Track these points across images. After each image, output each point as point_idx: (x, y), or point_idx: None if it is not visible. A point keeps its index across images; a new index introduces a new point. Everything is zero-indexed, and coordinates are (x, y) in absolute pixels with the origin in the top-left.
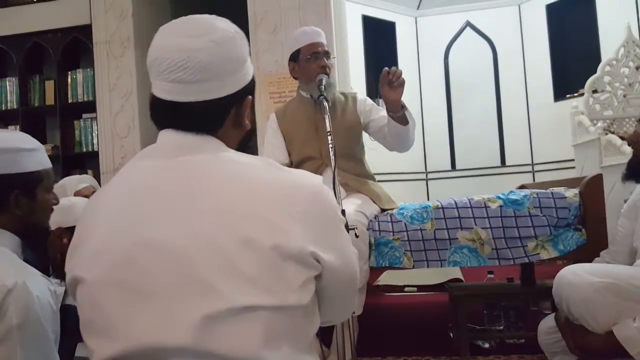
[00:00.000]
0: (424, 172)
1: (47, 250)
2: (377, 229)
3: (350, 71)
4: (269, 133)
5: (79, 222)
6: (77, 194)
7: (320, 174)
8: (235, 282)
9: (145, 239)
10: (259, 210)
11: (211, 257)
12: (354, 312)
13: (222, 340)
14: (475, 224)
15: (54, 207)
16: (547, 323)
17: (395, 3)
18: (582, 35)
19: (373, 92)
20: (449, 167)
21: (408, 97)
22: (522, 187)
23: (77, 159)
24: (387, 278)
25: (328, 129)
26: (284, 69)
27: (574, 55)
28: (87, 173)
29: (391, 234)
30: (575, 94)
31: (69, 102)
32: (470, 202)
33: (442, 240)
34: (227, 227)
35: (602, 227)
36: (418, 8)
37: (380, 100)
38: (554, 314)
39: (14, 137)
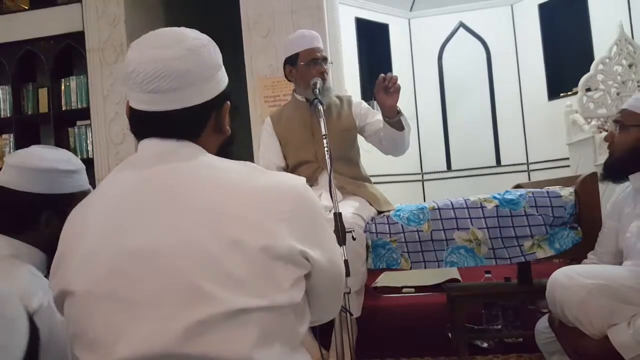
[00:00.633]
0: (419, 174)
1: None
2: (374, 231)
3: (345, 73)
4: (265, 137)
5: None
6: None
7: (317, 178)
8: (226, 286)
9: (132, 249)
10: (244, 213)
11: (200, 262)
12: (352, 314)
13: (214, 344)
14: (472, 224)
15: None
16: (544, 322)
17: (388, 5)
18: (575, 34)
19: (367, 94)
20: (445, 168)
21: (402, 99)
22: (517, 186)
23: None
24: (384, 280)
25: (323, 133)
26: (278, 73)
27: (567, 54)
28: None
29: (388, 235)
30: (569, 93)
31: (63, 109)
32: (466, 203)
33: (439, 241)
34: (213, 231)
35: (597, 225)
36: (411, 10)
37: (375, 103)
38: (547, 318)
39: (56, 158)
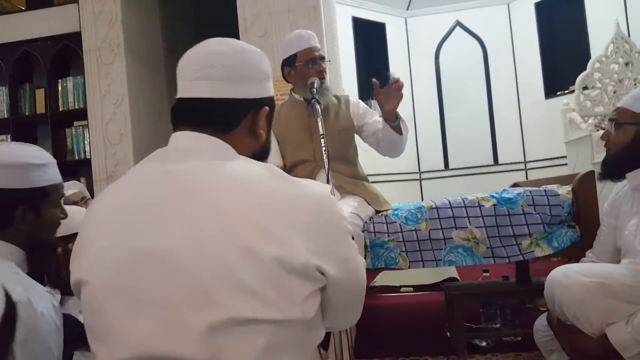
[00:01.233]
0: (417, 172)
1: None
2: (372, 230)
3: (342, 73)
4: None
5: (83, 221)
6: (65, 200)
7: (314, 177)
8: (235, 293)
9: (147, 247)
10: (261, 221)
11: (212, 267)
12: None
13: (223, 351)
14: (470, 223)
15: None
16: (543, 321)
17: (385, 4)
18: (572, 33)
19: (365, 93)
20: (442, 167)
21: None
22: (515, 185)
23: (69, 167)
24: (383, 279)
25: (321, 132)
26: (275, 73)
27: (563, 52)
28: (79, 181)
29: (386, 235)
30: (566, 91)
31: (60, 110)
32: (464, 202)
33: (437, 240)
34: (229, 236)
35: (595, 224)
36: (408, 8)
37: (373, 102)
38: (546, 317)
39: (24, 153)
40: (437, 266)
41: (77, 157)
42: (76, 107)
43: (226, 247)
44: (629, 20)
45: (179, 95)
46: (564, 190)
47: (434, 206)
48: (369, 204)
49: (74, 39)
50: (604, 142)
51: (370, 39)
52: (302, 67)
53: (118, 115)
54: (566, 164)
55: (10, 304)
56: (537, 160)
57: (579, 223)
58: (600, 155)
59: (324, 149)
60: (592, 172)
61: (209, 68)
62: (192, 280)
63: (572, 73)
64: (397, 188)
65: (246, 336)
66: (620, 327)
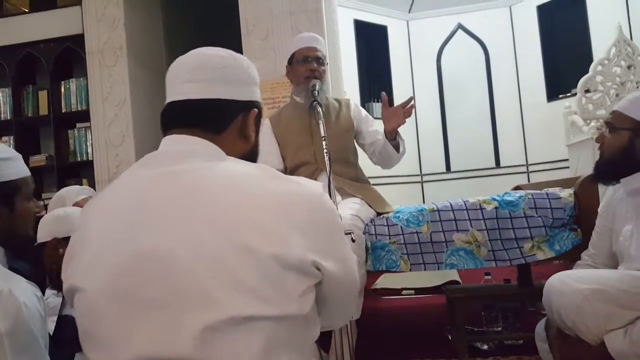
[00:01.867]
0: (419, 175)
1: (38, 259)
2: (373, 232)
3: (343, 75)
4: (263, 139)
5: (75, 229)
6: (75, 205)
7: (315, 179)
8: (234, 292)
9: (144, 250)
10: (257, 219)
11: (209, 267)
12: (352, 317)
13: (222, 351)
14: (471, 226)
15: (51, 217)
16: (544, 325)
17: (387, 7)
18: (574, 36)
19: (366, 96)
20: (444, 170)
21: (402, 101)
22: (517, 188)
23: (71, 169)
24: (384, 282)
25: (322, 134)
26: (277, 75)
27: (565, 55)
28: (81, 182)
29: (387, 237)
30: (568, 94)
31: (63, 111)
32: (465, 204)
33: (438, 242)
34: (225, 236)
35: None
36: (410, 11)
37: (374, 104)
38: (544, 325)
39: None
40: (438, 269)
41: (79, 159)
42: (79, 108)
43: (224, 247)
44: (631, 23)
45: (169, 98)
46: (566, 194)
47: (435, 209)
48: (370, 206)
49: (77, 41)
50: (598, 144)
51: (372, 41)
52: (297, 65)
53: (120, 116)
54: (568, 167)
55: None
56: (539, 163)
57: (580, 226)
58: None
59: (325, 151)
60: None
61: (199, 70)
62: (190, 281)
63: (574, 76)
64: (398, 190)
65: (246, 335)
66: (619, 336)
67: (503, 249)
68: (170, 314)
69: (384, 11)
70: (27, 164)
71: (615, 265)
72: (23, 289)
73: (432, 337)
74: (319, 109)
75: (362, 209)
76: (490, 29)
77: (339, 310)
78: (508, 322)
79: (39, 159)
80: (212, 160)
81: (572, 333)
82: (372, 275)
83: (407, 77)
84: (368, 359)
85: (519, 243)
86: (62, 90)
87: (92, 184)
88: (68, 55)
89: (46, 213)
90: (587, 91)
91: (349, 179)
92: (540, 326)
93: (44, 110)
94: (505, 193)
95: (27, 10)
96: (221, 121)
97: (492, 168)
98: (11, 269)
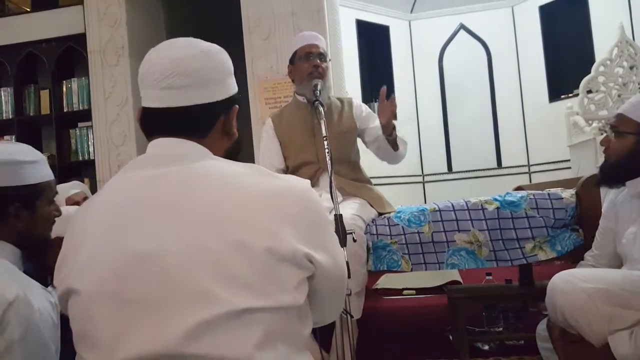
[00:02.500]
0: (420, 175)
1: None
2: (374, 232)
3: (345, 75)
4: (265, 138)
5: (67, 232)
6: (68, 200)
7: (317, 179)
8: (230, 286)
9: (137, 250)
10: (249, 215)
11: (204, 263)
12: (353, 316)
13: (217, 344)
14: (473, 226)
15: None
16: (545, 325)
17: (389, 7)
18: (576, 36)
19: (368, 95)
20: (446, 170)
21: (404, 101)
22: (518, 188)
23: (73, 168)
24: (385, 282)
25: (324, 134)
26: (278, 75)
27: (567, 56)
28: (83, 182)
29: (389, 237)
30: (570, 95)
31: (65, 111)
32: (467, 205)
33: (439, 242)
34: (218, 232)
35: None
36: (412, 11)
37: (376, 105)
38: (546, 325)
39: (15, 150)
40: (439, 269)
41: (81, 158)
42: (80, 108)
43: (218, 244)
44: (633, 24)
45: (146, 104)
46: (568, 194)
47: (436, 209)
48: (371, 206)
49: (79, 40)
50: (603, 147)
51: (374, 41)
52: (299, 62)
53: (122, 116)
54: (570, 168)
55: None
56: (540, 164)
57: (582, 227)
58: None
59: (327, 151)
60: (596, 175)
61: (174, 77)
62: (186, 279)
63: (576, 76)
64: (400, 190)
65: (243, 328)
66: (624, 339)
67: (504, 249)
68: (166, 312)
69: (386, 11)
70: None
71: (618, 266)
72: (38, 295)
73: (433, 337)
74: (321, 108)
75: (363, 209)
76: (493, 29)
77: (329, 305)
78: (509, 322)
79: None
80: (202, 161)
81: (576, 332)
82: (373, 275)
83: (409, 77)
84: (369, 359)
85: (521, 243)
86: (64, 89)
87: (93, 184)
88: (70, 55)
89: None
90: (589, 92)
91: (351, 179)
92: (541, 326)
93: (45, 109)
94: (507, 193)
95: (28, 10)
96: (204, 126)
97: (493, 168)
98: None
